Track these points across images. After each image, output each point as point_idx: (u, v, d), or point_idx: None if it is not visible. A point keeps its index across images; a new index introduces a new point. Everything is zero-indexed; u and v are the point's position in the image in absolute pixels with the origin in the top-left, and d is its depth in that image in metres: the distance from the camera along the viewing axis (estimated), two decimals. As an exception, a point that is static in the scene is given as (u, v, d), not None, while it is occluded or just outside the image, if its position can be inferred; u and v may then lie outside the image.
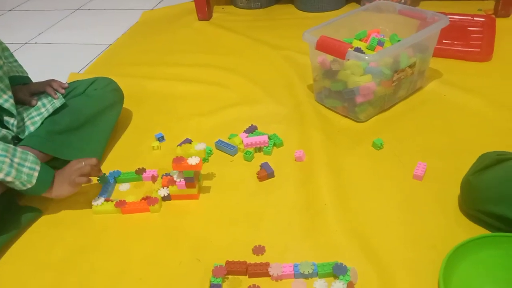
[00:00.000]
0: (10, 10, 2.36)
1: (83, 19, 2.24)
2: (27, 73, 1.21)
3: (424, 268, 0.80)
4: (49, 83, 1.15)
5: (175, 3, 2.19)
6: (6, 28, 2.09)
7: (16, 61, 1.19)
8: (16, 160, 0.90)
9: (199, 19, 1.97)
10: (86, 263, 0.89)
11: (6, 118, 1.06)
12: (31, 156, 0.94)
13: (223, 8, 2.08)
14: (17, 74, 1.16)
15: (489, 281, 0.76)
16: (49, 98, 1.13)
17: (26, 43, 1.98)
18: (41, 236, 0.96)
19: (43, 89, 1.15)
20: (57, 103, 1.11)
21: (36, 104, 1.11)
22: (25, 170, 0.91)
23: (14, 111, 1.04)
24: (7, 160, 0.88)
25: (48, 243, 0.94)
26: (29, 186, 0.92)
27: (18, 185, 0.92)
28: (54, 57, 1.83)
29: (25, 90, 1.14)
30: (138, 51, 1.77)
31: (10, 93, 1.05)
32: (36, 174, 0.93)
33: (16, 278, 0.87)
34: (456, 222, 0.88)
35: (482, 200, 0.84)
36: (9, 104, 1.03)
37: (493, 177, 0.83)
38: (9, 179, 0.89)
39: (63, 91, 1.15)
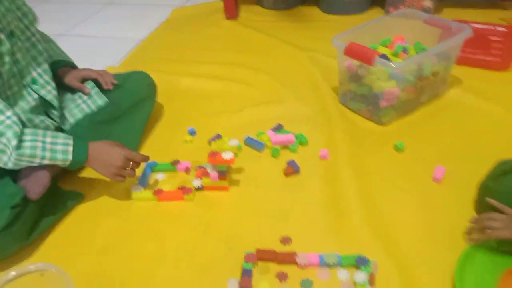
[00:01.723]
0: (44, 2, 2.46)
1: (114, 13, 2.32)
2: (70, 58, 1.24)
3: (440, 265, 0.86)
4: (101, 73, 1.20)
5: (203, 1, 2.26)
6: (40, 20, 2.17)
7: (59, 48, 1.24)
8: (48, 140, 0.93)
9: (227, 18, 2.04)
10: (125, 248, 0.96)
11: (50, 109, 1.11)
12: (61, 134, 0.96)
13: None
14: (61, 58, 1.20)
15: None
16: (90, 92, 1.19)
17: (59, 35, 2.06)
18: (83, 221, 1.04)
19: (95, 76, 1.19)
20: (100, 101, 1.18)
21: (90, 92, 1.17)
22: (59, 148, 0.94)
23: (55, 103, 1.09)
24: (39, 144, 0.91)
25: (89, 228, 1.02)
26: (67, 163, 0.96)
27: (59, 164, 0.96)
28: (88, 50, 1.91)
29: (75, 74, 1.18)
30: (169, 47, 1.85)
31: (53, 85, 1.09)
32: (70, 148, 0.95)
33: (60, 261, 0.93)
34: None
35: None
36: (51, 96, 1.07)
37: (510, 184, 0.88)
38: (46, 162, 0.93)
39: (112, 86, 1.20)
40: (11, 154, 0.89)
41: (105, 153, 0.99)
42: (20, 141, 0.90)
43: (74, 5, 2.44)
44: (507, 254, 0.84)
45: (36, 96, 1.03)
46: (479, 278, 0.81)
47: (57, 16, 2.29)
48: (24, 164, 0.93)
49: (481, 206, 0.95)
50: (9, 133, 0.89)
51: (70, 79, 1.17)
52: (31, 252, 0.96)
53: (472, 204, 0.98)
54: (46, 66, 1.08)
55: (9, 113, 0.90)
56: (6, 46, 0.94)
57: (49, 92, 1.07)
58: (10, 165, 0.91)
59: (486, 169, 0.96)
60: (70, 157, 0.95)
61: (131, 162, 1.02)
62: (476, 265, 0.83)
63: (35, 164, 0.94)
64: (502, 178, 0.90)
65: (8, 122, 0.89)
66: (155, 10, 2.26)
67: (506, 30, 1.56)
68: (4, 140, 0.89)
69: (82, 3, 2.46)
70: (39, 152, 0.92)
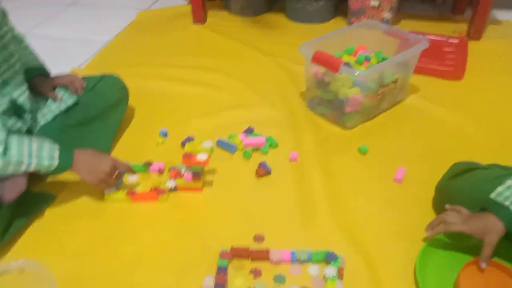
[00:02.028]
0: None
1: (78, 14, 2.28)
2: (43, 64, 1.23)
3: (403, 258, 0.93)
4: (72, 80, 1.20)
5: (169, 5, 2.27)
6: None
7: (32, 53, 1.22)
8: (34, 146, 0.93)
9: (194, 23, 2.06)
10: (100, 250, 0.97)
11: (21, 111, 1.09)
12: (47, 139, 0.97)
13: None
14: (35, 66, 1.19)
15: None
16: (56, 93, 1.18)
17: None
18: (56, 222, 1.04)
19: (65, 84, 1.20)
20: (69, 100, 1.18)
21: (61, 99, 1.17)
22: (45, 154, 0.94)
23: (27, 106, 1.07)
24: (25, 150, 0.92)
25: (62, 230, 1.02)
26: (52, 168, 0.96)
27: (43, 170, 0.96)
28: (52, 51, 1.86)
29: (48, 83, 1.18)
30: (136, 50, 1.85)
31: (25, 87, 1.07)
32: (57, 154, 0.96)
33: None
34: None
35: (454, 203, 0.96)
36: (23, 98, 1.06)
37: (463, 184, 0.96)
38: (32, 168, 0.94)
39: (81, 92, 1.20)
40: None
41: (94, 159, 1.02)
42: (6, 148, 0.89)
43: (37, 5, 2.38)
44: (464, 251, 0.92)
45: (7, 98, 1.02)
46: (439, 271, 0.89)
47: (19, 14, 2.22)
48: (10, 170, 0.92)
49: (439, 204, 1.03)
50: None
51: (45, 89, 1.17)
52: (2, 254, 0.95)
53: (431, 202, 1.06)
54: (18, 67, 1.06)
55: None
56: None
57: (21, 94, 1.06)
58: None
59: (443, 170, 1.04)
60: (56, 162, 0.96)
61: (117, 171, 1.04)
62: (434, 260, 0.91)
63: (21, 171, 0.93)
64: (455, 179, 0.99)
65: None
66: (120, 12, 2.24)
67: (458, 41, 1.69)
68: None
69: (45, 3, 2.41)
70: (25, 159, 0.92)
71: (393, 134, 1.32)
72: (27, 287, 0.79)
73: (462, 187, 0.96)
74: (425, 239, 0.94)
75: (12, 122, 1.02)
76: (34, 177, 1.10)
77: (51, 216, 1.05)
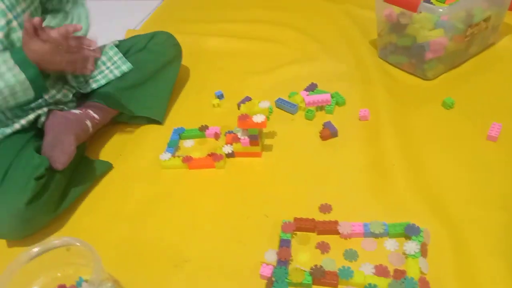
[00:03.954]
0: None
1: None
2: None
3: (495, 229, 0.78)
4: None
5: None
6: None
7: None
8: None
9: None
10: (157, 215, 0.92)
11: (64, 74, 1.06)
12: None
13: None
14: None
15: None
16: (109, 55, 1.12)
17: None
18: (113, 189, 1.00)
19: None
20: (124, 67, 1.12)
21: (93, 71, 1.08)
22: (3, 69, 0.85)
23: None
24: None
25: (120, 196, 0.98)
26: (22, 80, 0.87)
27: (18, 90, 0.88)
28: (108, 13, 1.83)
29: None
30: (192, 7, 1.75)
31: None
32: (14, 66, 0.86)
33: (93, 229, 0.91)
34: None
35: None
36: None
37: None
38: (5, 92, 0.86)
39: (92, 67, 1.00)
40: None
41: (45, 52, 0.88)
42: None
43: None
44: None
45: None
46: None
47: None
48: None
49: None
50: None
51: None
52: (61, 224, 0.93)
53: (533, 163, 0.88)
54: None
55: None
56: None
57: None
58: None
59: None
60: (17, 70, 0.86)
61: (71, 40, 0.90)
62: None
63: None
64: None
65: None
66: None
67: None
68: None
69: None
70: None
71: (485, 83, 1.11)
72: (73, 263, 0.76)
73: None
74: None
75: (57, 88, 0.98)
76: (90, 142, 1.08)
77: (107, 183, 1.02)
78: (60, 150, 0.92)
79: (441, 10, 1.01)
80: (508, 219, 0.78)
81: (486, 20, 1.14)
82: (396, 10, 1.13)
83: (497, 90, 1.09)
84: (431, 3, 1.14)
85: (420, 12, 1.04)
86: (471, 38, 1.13)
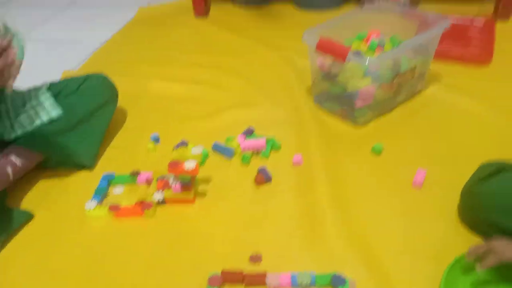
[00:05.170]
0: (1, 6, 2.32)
1: (76, 14, 2.19)
2: None
3: (424, 280, 0.78)
4: None
5: (169, 0, 2.15)
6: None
7: None
8: None
9: (196, 16, 1.94)
10: (77, 273, 0.86)
11: None
12: None
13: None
14: None
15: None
16: (40, 100, 1.08)
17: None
18: (33, 241, 0.94)
19: None
20: (54, 113, 1.08)
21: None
22: None
23: None
24: None
25: (41, 249, 0.92)
26: None
27: None
28: (47, 54, 1.79)
29: None
30: (134, 49, 1.74)
31: None
32: None
33: (11, 285, 0.84)
34: (456, 231, 0.87)
35: (483, 209, 0.82)
36: None
37: (495, 187, 0.81)
38: None
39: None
40: None
41: None
42: None
43: (32, 8, 2.29)
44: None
45: None
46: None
47: (13, 19, 2.14)
48: None
49: (466, 212, 0.88)
50: None
51: None
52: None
53: (455, 209, 0.91)
54: None
55: None
56: None
57: None
58: None
59: (470, 171, 0.89)
60: None
61: None
62: (463, 283, 0.76)
63: None
64: (484, 182, 0.84)
65: None
66: (120, 10, 2.13)
67: (484, 22, 1.51)
68: None
69: (40, 6, 2.32)
70: None
71: (412, 130, 1.16)
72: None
73: (492, 191, 0.81)
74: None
75: None
76: (11, 190, 1.01)
77: (26, 235, 0.95)
78: None
79: (368, 60, 1.05)
80: (432, 268, 0.79)
81: (412, 69, 1.20)
82: (328, 59, 1.17)
83: (424, 137, 1.13)
84: (361, 53, 1.19)
85: (349, 62, 1.08)
86: (398, 86, 1.19)
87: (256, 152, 1.12)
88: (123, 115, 1.32)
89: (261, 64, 1.53)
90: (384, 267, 0.81)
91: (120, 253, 0.89)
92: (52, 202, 1.02)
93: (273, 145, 1.13)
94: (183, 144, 1.15)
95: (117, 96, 1.25)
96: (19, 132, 1.05)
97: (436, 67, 1.36)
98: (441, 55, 1.40)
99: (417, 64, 1.22)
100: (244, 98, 1.36)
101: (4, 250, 0.92)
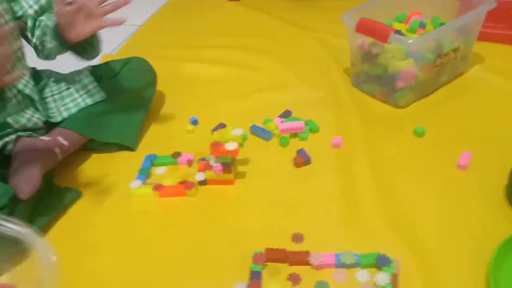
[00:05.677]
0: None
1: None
2: None
3: (467, 260, 0.77)
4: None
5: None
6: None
7: None
8: None
9: (229, 0, 1.94)
10: (122, 248, 0.89)
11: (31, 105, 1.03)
12: None
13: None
14: None
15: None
16: (84, 83, 1.11)
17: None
18: (80, 218, 0.97)
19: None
20: (97, 96, 1.11)
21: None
22: None
23: (35, 96, 1.03)
24: None
25: (87, 225, 0.95)
26: None
27: None
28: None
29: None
30: (169, 33, 1.76)
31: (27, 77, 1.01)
32: None
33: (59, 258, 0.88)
34: (503, 213, 0.85)
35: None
36: (29, 89, 1.02)
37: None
38: None
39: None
40: None
41: None
42: None
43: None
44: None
45: (14, 91, 0.95)
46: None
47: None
48: None
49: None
50: None
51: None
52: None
53: (503, 191, 0.89)
54: (20, 54, 1.00)
55: None
56: None
57: (25, 85, 1.00)
58: None
59: (517, 153, 0.87)
60: None
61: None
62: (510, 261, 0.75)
63: None
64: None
65: None
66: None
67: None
68: None
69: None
70: None
71: (455, 112, 1.13)
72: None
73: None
74: None
75: (27, 118, 0.96)
76: (59, 169, 1.05)
77: (75, 212, 0.98)
78: (25, 179, 0.89)
79: (410, 41, 1.03)
80: (478, 249, 0.78)
81: (455, 50, 1.17)
82: (368, 40, 1.16)
83: (467, 119, 1.11)
84: (402, 33, 1.17)
85: (391, 43, 1.06)
86: (440, 67, 1.16)
87: (295, 134, 1.12)
88: (162, 98, 1.34)
89: (295, 46, 1.53)
90: (428, 248, 0.81)
91: (164, 231, 0.92)
92: (97, 181, 1.05)
93: (311, 127, 1.12)
94: (221, 126, 1.16)
95: (156, 79, 1.27)
96: (65, 114, 1.08)
97: (479, 48, 1.32)
98: (485, 36, 1.35)
99: (460, 45, 1.18)
100: (280, 80, 1.35)
101: (54, 226, 0.95)
